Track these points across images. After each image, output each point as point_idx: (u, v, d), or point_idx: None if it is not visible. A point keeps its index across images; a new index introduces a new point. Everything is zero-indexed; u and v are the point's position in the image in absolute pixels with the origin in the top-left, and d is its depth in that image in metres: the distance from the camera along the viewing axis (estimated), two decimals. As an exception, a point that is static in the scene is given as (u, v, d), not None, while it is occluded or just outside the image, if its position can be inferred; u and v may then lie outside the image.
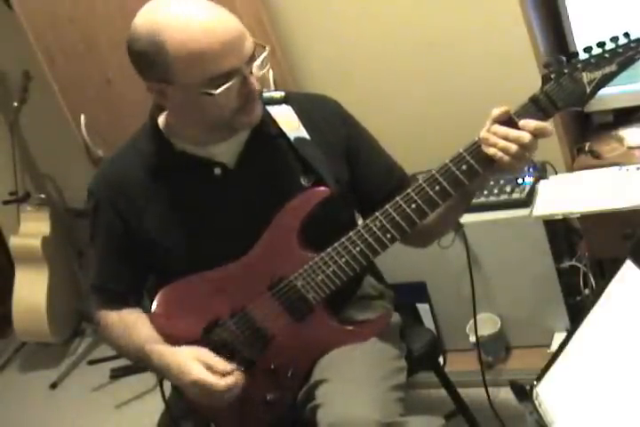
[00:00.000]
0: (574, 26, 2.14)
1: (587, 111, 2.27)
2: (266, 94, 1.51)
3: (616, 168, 1.96)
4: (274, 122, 1.48)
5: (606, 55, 1.27)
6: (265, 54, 1.36)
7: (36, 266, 3.09)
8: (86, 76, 2.42)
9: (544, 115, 1.29)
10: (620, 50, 1.27)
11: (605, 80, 1.29)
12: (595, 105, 2.24)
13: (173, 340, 1.46)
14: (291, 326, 1.45)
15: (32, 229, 3.13)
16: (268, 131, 1.47)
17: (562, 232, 2.17)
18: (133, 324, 1.50)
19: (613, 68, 1.28)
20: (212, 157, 1.45)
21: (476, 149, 1.31)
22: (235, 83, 1.30)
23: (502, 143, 1.27)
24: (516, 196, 2.11)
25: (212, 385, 1.32)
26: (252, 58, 1.32)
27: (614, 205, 1.80)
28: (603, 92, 2.19)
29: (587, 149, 2.16)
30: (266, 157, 1.47)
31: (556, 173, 2.18)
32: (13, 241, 3.12)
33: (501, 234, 2.14)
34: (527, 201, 2.08)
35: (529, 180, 2.14)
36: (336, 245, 1.40)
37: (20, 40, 2.44)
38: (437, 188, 1.34)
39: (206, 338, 1.46)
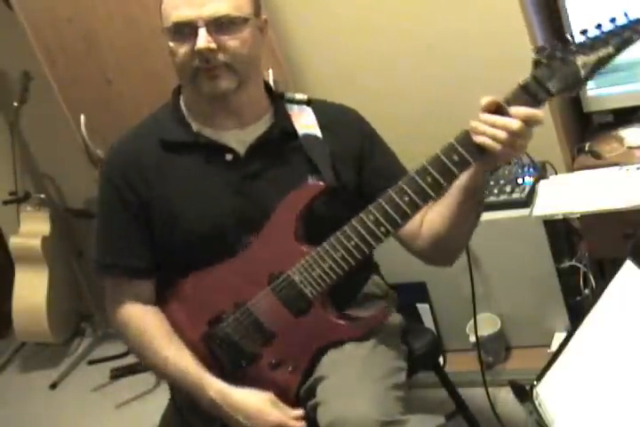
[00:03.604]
0: (574, 28, 2.14)
1: (586, 111, 2.27)
2: (289, 94, 1.54)
3: (616, 168, 1.96)
4: (290, 120, 1.50)
5: (602, 36, 1.18)
6: (248, 27, 1.37)
7: (35, 266, 3.09)
8: (86, 76, 2.41)
9: (536, 101, 1.23)
10: (618, 30, 1.17)
11: (601, 63, 1.19)
12: (595, 105, 2.24)
13: (178, 334, 1.50)
14: (291, 321, 1.45)
15: (32, 229, 3.12)
16: (284, 127, 1.49)
17: (562, 232, 2.17)
18: (157, 331, 1.50)
19: (610, 49, 1.18)
20: (226, 142, 1.48)
21: (466, 138, 1.27)
22: (188, 37, 1.34)
23: (490, 131, 1.23)
24: (516, 196, 2.11)
25: None
26: (219, 22, 1.34)
27: (614, 205, 1.80)
28: (602, 92, 2.19)
29: (587, 149, 2.16)
30: (276, 151, 1.49)
31: (556, 173, 2.18)
32: (13, 241, 3.11)
33: (501, 234, 2.14)
34: (527, 201, 2.08)
35: (529, 180, 2.14)
36: (331, 239, 1.40)
37: (20, 40, 2.44)
38: (429, 179, 1.30)
39: (210, 333, 1.48)
